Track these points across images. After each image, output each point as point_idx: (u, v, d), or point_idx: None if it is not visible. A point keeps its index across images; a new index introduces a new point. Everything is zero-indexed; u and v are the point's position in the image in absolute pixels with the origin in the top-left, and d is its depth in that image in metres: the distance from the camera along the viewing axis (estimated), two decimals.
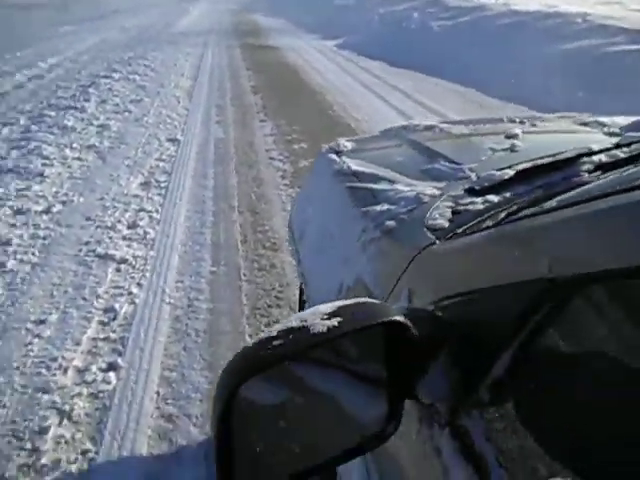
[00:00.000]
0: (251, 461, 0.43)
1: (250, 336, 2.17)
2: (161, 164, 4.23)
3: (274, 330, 0.42)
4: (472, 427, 0.49)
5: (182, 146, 4.67)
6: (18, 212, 3.35)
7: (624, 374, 0.38)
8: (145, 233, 3.09)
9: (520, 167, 0.86)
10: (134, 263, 2.76)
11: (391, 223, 0.82)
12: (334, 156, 1.31)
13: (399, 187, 0.97)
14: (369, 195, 0.99)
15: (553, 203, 0.51)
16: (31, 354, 2.08)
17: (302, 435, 0.48)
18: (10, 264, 2.73)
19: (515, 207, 0.64)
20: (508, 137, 1.18)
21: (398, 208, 0.87)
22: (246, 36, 13.29)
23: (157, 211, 3.38)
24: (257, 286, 2.54)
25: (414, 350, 0.48)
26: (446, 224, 0.72)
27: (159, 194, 3.64)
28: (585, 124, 1.28)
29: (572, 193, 0.54)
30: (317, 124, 5.14)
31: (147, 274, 2.66)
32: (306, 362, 0.45)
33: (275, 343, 0.40)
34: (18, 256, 2.82)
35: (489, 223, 0.63)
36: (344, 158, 1.27)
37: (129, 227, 3.16)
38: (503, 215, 0.63)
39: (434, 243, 0.67)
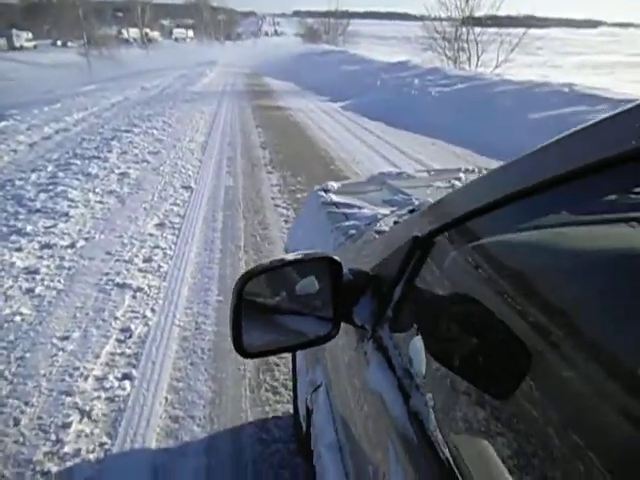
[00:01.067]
0: (253, 328, 0.76)
1: None
2: (175, 208, 4.64)
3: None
4: (385, 337, 0.80)
5: (195, 193, 5.11)
6: (45, 246, 3.71)
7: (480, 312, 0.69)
8: (159, 266, 3.42)
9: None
10: (149, 292, 3.08)
11: (352, 232, 1.16)
12: (322, 192, 1.68)
13: (365, 211, 1.31)
14: (342, 216, 1.33)
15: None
16: (56, 364, 2.36)
17: (278, 325, 0.80)
18: (38, 290, 3.06)
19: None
20: (454, 179, 1.53)
21: (360, 223, 1.21)
22: (257, 97, 14.28)
23: (170, 248, 3.74)
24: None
25: (350, 289, 0.81)
26: (387, 229, 1.06)
27: (173, 234, 4.01)
28: None
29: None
30: (320, 176, 5.59)
31: (160, 301, 2.97)
32: (287, 284, 0.79)
33: (265, 263, 0.74)
34: (45, 283, 3.15)
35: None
36: (330, 194, 1.63)
37: (145, 261, 3.51)
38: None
39: (375, 238, 1.00)
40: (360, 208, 1.35)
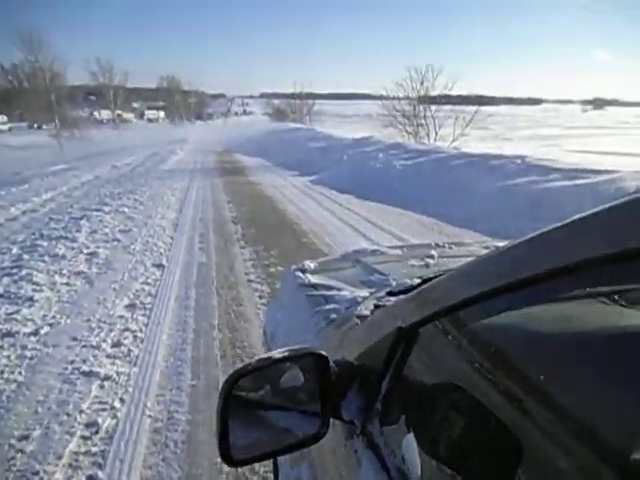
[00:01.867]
0: (240, 429, 0.72)
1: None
2: (146, 287, 4.54)
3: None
4: (375, 432, 0.78)
5: (166, 270, 5.04)
6: (7, 334, 3.52)
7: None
8: (129, 351, 3.28)
9: (425, 277, 1.24)
10: (117, 379, 2.92)
11: (333, 316, 1.16)
12: (299, 273, 1.69)
13: (344, 293, 1.33)
14: (322, 299, 1.34)
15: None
16: (13, 469, 2.15)
17: (265, 424, 0.77)
18: None
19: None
20: (426, 257, 1.58)
21: (340, 306, 1.21)
22: (228, 173, 14.65)
23: (141, 330, 3.61)
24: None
25: (337, 382, 0.80)
26: (368, 313, 1.07)
27: (144, 314, 3.89)
28: (487, 248, 1.71)
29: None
30: (293, 249, 5.66)
31: (130, 389, 2.81)
32: (273, 379, 0.77)
33: (252, 363, 0.72)
34: (5, 375, 2.94)
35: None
36: (307, 274, 1.65)
37: (114, 346, 3.36)
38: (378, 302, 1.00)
39: (357, 324, 1.01)
40: (339, 290, 1.36)
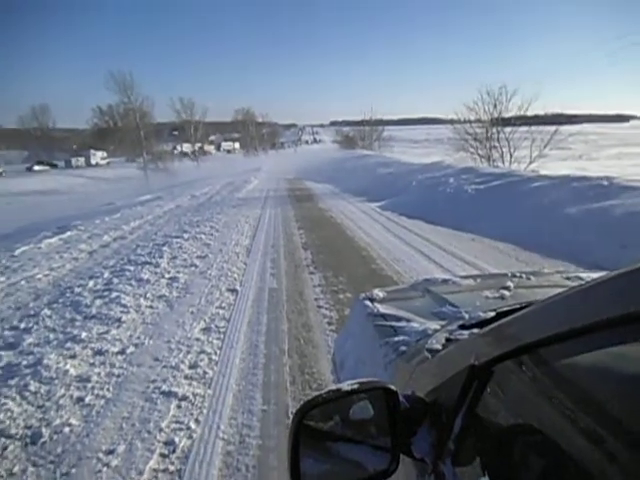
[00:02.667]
0: (310, 457, 0.74)
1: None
2: (221, 311, 4.74)
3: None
4: (447, 473, 0.76)
5: (240, 295, 5.24)
6: (98, 353, 3.82)
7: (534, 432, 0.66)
8: (204, 373, 3.42)
9: (500, 309, 1.20)
10: (193, 400, 3.05)
11: (403, 348, 1.15)
12: (368, 302, 1.69)
13: (413, 324, 1.31)
14: (391, 330, 1.33)
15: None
16: None
17: (334, 455, 0.77)
18: (88, 399, 3.10)
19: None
20: (502, 288, 1.52)
21: (410, 338, 1.20)
22: (299, 200, 15.06)
23: (215, 353, 3.76)
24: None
25: (407, 418, 0.79)
26: (439, 347, 1.05)
27: (218, 338, 4.06)
28: (568, 278, 1.62)
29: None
30: (361, 276, 5.65)
31: (204, 410, 2.93)
32: (342, 410, 0.78)
33: (322, 395, 0.74)
34: (95, 391, 3.19)
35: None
36: (375, 304, 1.64)
37: (191, 367, 3.52)
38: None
39: (428, 358, 0.99)
40: (408, 321, 1.35)
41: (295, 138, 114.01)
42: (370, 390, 0.78)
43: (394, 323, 1.38)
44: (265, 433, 2.67)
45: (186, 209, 13.98)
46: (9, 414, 2.92)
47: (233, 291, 5.41)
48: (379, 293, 1.82)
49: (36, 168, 45.11)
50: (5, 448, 2.60)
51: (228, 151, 79.35)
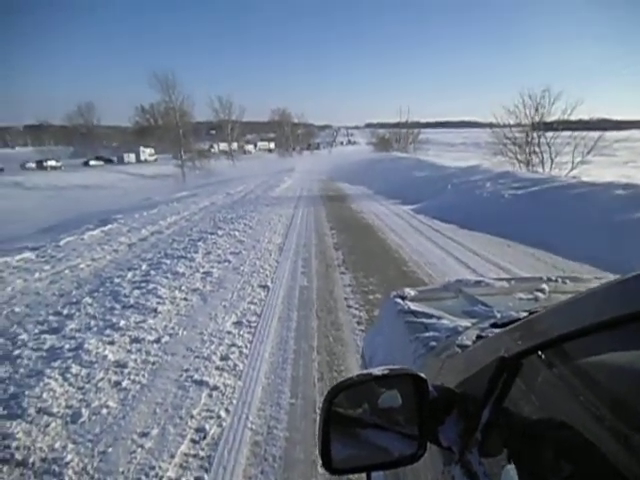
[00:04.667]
0: (339, 441, 0.77)
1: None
2: (252, 307, 4.83)
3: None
4: (474, 462, 0.78)
5: (271, 292, 5.32)
6: (135, 341, 3.98)
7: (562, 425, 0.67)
8: (235, 365, 3.51)
9: (533, 310, 1.20)
10: (224, 390, 3.13)
11: (433, 343, 1.17)
12: (399, 300, 1.71)
13: (444, 321, 1.32)
14: (421, 326, 1.35)
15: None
16: (134, 461, 2.41)
17: (362, 440, 0.80)
18: (125, 383, 3.24)
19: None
20: (536, 290, 1.51)
21: (440, 334, 1.21)
22: (331, 201, 15.10)
23: (246, 347, 3.84)
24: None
25: (435, 407, 0.81)
26: (470, 343, 1.06)
27: (249, 332, 4.15)
28: None
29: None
30: (392, 278, 5.63)
31: (234, 401, 3.00)
32: (371, 398, 0.81)
33: (353, 377, 0.77)
34: (132, 377, 3.33)
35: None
36: (406, 301, 1.66)
37: (222, 359, 3.62)
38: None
39: (458, 353, 1.01)
40: (439, 318, 1.36)
41: (330, 139, 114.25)
42: (400, 376, 0.81)
43: (425, 320, 1.39)
44: (292, 426, 2.71)
45: (221, 206, 14.28)
46: (52, 394, 3.08)
47: (265, 287, 5.50)
48: (410, 291, 1.83)
49: (92, 163, 47.52)
50: (47, 425, 2.75)
51: (269, 150, 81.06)
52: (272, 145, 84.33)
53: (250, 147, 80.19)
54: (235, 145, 62.04)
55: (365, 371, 0.82)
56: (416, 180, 16.96)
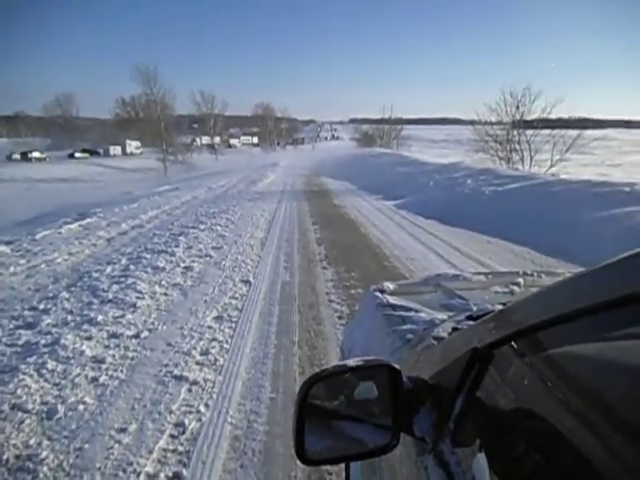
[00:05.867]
0: (314, 433, 0.77)
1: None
2: (233, 302, 4.80)
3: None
4: (446, 451, 0.79)
5: (253, 287, 5.30)
6: (113, 336, 3.92)
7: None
8: (215, 360, 3.49)
9: (508, 302, 1.21)
10: (204, 385, 3.11)
11: (409, 336, 1.17)
12: (378, 293, 1.72)
13: (421, 315, 1.33)
14: (399, 319, 1.36)
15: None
16: (111, 457, 2.38)
17: (338, 431, 0.80)
18: (102, 379, 3.19)
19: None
20: (512, 284, 1.53)
21: (417, 327, 1.22)
22: (314, 196, 15.09)
23: (227, 341, 3.82)
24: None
25: (410, 398, 0.82)
26: (445, 335, 1.07)
27: (230, 327, 4.12)
28: None
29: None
30: (374, 272, 5.66)
31: (214, 395, 2.99)
32: (347, 390, 0.81)
33: (328, 369, 0.77)
34: (109, 372, 3.28)
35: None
36: (385, 295, 1.67)
37: (202, 354, 3.59)
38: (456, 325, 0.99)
39: (434, 345, 1.02)
40: (417, 312, 1.37)
41: (314, 134, 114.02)
42: (375, 367, 0.81)
43: (403, 313, 1.40)
44: (272, 420, 2.71)
45: (203, 201, 14.13)
46: (27, 390, 3.01)
47: (246, 282, 5.48)
48: (390, 285, 1.84)
49: (77, 155, 46.78)
50: (22, 422, 2.69)
51: (253, 144, 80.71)
52: (256, 140, 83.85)
53: (235, 141, 79.85)
54: (218, 139, 61.42)
55: (340, 362, 0.82)
56: (399, 176, 17.06)
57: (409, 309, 1.42)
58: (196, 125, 65.63)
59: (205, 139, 61.20)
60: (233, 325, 4.17)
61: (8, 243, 7.84)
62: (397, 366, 0.79)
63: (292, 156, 50.59)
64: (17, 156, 42.63)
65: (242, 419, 2.73)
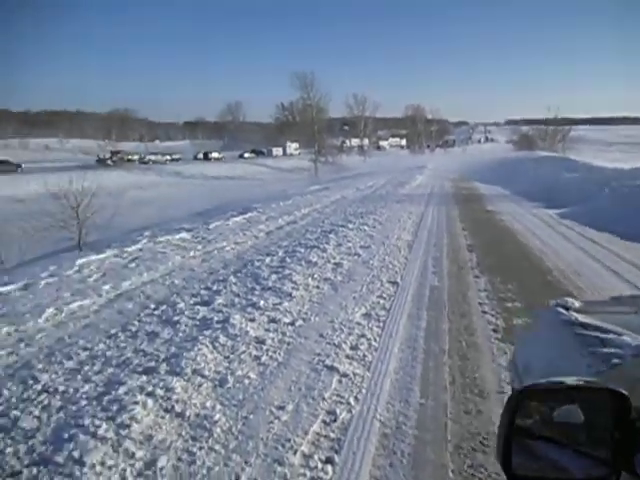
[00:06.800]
0: (521, 452, 0.73)
1: (452, 471, 2.28)
2: (381, 301, 4.85)
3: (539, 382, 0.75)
4: None
5: (400, 288, 5.28)
6: (272, 321, 4.28)
7: None
8: (364, 356, 3.57)
9: None
10: (353, 379, 3.21)
11: (616, 361, 1.04)
12: (562, 310, 1.56)
13: (625, 339, 1.17)
14: (597, 341, 1.21)
15: None
16: (272, 431, 2.61)
17: (536, 449, 0.75)
18: (264, 358, 3.51)
19: None
20: None
21: (624, 352, 1.08)
22: (464, 200, 14.42)
23: (375, 339, 3.88)
24: (462, 427, 2.65)
25: (636, 431, 0.73)
26: None
27: (378, 326, 4.18)
28: None
29: None
30: (533, 286, 5.18)
31: (363, 391, 3.06)
32: (545, 410, 0.75)
33: (543, 383, 0.73)
34: (269, 353, 3.59)
35: None
36: (571, 312, 1.51)
37: (351, 348, 3.71)
38: None
39: None
40: (619, 334, 1.21)
41: (465, 136, 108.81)
42: (594, 391, 0.74)
43: (600, 334, 1.25)
44: (422, 426, 2.67)
45: (351, 201, 14.57)
46: (204, 358, 3.47)
47: (394, 283, 5.49)
48: (574, 302, 1.66)
49: (246, 155, 53.36)
50: (200, 385, 3.11)
51: (401, 147, 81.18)
52: (404, 142, 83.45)
53: (384, 143, 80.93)
54: (367, 141, 62.67)
55: (555, 379, 0.76)
56: (564, 182, 15.30)
57: (607, 331, 1.26)
58: (347, 127, 67.94)
59: (355, 141, 62.99)
60: (381, 324, 4.22)
61: (189, 230, 9.12)
62: (625, 392, 0.71)
63: (441, 159, 49.13)
64: (200, 156, 50.08)
65: (391, 419, 2.75)
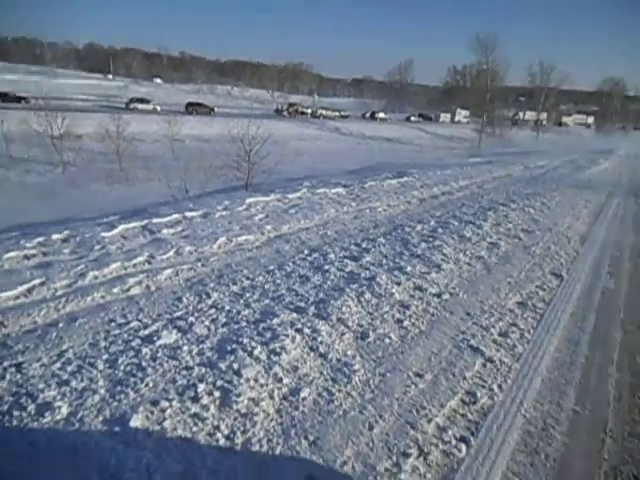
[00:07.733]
0: None
1: None
2: (540, 292, 4.41)
3: None
4: None
5: (565, 283, 4.73)
6: (417, 288, 4.22)
7: None
8: (514, 345, 3.32)
9: None
10: (499, 366, 3.02)
11: None
12: None
13: None
14: None
15: None
16: (408, 394, 2.62)
17: None
18: (406, 323, 3.50)
19: None
20: None
21: None
22: None
23: (529, 331, 3.57)
24: (623, 449, 2.32)
25: None
26: None
27: (534, 318, 3.82)
28: None
29: None
30: None
31: (509, 381, 2.86)
32: None
33: None
34: (412, 320, 3.57)
35: None
36: None
37: (500, 335, 3.47)
38: None
39: None
40: None
41: None
42: None
43: None
44: (574, 434, 2.41)
45: (516, 179, 13.33)
46: (348, 309, 3.59)
47: (558, 276, 4.93)
48: None
49: (412, 119, 52.64)
50: (343, 334, 3.24)
51: (586, 125, 70.89)
52: (590, 120, 72.56)
53: (568, 119, 71.24)
54: (545, 115, 55.95)
55: None
56: None
57: None
58: (522, 98, 61.34)
59: (530, 114, 56.74)
60: (537, 317, 3.85)
61: (345, 186, 9.36)
62: None
63: (636, 144, 41.68)
64: (367, 115, 50.55)
65: (537, 418, 2.54)
